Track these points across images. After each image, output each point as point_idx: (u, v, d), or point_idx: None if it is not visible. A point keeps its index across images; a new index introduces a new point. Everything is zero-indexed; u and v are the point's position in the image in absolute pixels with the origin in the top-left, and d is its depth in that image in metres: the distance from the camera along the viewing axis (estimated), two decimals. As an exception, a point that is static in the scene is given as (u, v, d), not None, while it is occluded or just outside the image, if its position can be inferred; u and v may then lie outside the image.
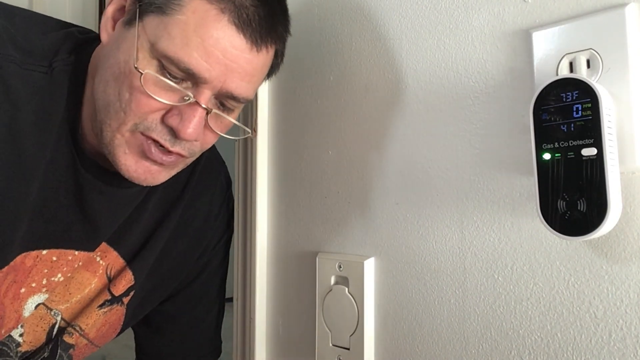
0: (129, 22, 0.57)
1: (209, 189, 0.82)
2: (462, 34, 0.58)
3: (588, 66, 0.47)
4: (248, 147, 0.83)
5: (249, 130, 0.69)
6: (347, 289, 0.67)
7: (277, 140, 0.81)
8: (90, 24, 0.70)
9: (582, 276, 0.48)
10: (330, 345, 0.68)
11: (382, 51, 0.66)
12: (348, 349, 0.66)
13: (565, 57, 0.49)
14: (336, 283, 0.69)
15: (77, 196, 0.64)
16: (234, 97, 0.59)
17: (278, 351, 0.79)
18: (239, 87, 0.58)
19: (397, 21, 0.65)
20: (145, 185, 0.61)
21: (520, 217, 0.52)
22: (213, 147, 0.83)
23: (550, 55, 0.50)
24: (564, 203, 0.44)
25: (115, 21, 0.60)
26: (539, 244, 0.51)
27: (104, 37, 0.60)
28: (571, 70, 0.48)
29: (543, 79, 0.48)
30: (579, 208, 0.43)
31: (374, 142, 0.67)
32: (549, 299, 0.50)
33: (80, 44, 0.64)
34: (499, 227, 0.54)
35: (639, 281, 0.45)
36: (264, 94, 0.83)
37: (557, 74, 0.49)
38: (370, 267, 0.66)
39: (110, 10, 0.61)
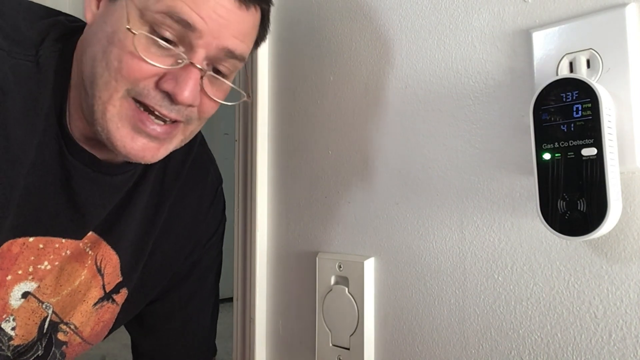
0: None
1: (198, 185, 0.81)
2: (462, 34, 0.58)
3: (588, 66, 0.47)
4: (248, 147, 0.83)
5: (245, 94, 0.67)
6: (347, 289, 0.67)
7: (277, 140, 0.81)
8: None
9: (582, 276, 0.48)
10: (330, 345, 0.68)
11: (382, 51, 0.66)
12: (348, 349, 0.66)
13: (565, 57, 0.49)
14: (336, 283, 0.69)
15: (64, 183, 0.63)
16: (230, 53, 0.58)
17: (278, 351, 0.79)
18: (234, 43, 0.58)
19: (397, 21, 0.65)
20: (144, 162, 0.60)
21: (520, 217, 0.52)
22: (204, 141, 0.83)
23: (550, 55, 0.50)
24: (564, 203, 0.44)
25: (99, 0, 0.60)
26: (539, 244, 0.51)
27: (88, 16, 0.60)
28: (571, 70, 0.48)
29: (543, 79, 0.48)
30: (579, 208, 0.43)
31: (373, 142, 0.67)
32: (549, 299, 0.50)
33: (67, 31, 0.64)
34: (499, 227, 0.54)
35: (639, 281, 0.45)
36: (264, 94, 0.83)
37: (557, 74, 0.49)
38: (370, 267, 0.66)
39: None
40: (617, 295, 0.46)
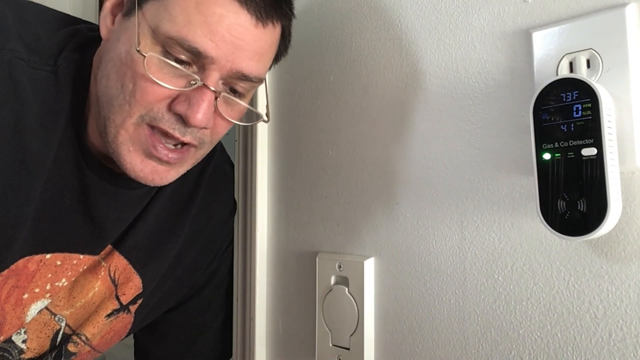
0: (129, 13, 0.56)
1: (222, 194, 0.80)
2: (462, 34, 0.58)
3: (588, 66, 0.47)
4: (248, 147, 0.83)
5: (261, 114, 0.66)
6: (347, 289, 0.67)
7: (277, 140, 0.81)
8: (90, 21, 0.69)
9: (582, 276, 0.48)
10: (330, 345, 0.68)
11: (382, 51, 0.66)
12: (348, 349, 0.66)
13: (565, 57, 0.49)
14: (336, 283, 0.69)
15: (82, 198, 0.62)
16: (244, 77, 0.56)
17: (278, 351, 0.79)
18: (249, 66, 0.55)
19: (397, 21, 0.65)
20: (153, 185, 0.59)
21: (520, 217, 0.52)
22: (224, 149, 0.83)
23: (550, 55, 0.50)
24: (564, 203, 0.44)
25: (114, 16, 0.59)
26: (539, 244, 0.51)
27: (103, 32, 0.59)
28: (571, 70, 0.48)
29: (543, 79, 0.48)
30: (579, 208, 0.43)
31: (374, 142, 0.67)
32: (549, 299, 0.50)
33: (86, 41, 0.62)
34: (499, 227, 0.54)
35: (639, 281, 0.45)
36: (264, 93, 0.83)
37: (557, 74, 0.49)
38: (370, 267, 0.66)
39: (108, 5, 0.60)
40: (617, 295, 0.46)
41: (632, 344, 0.45)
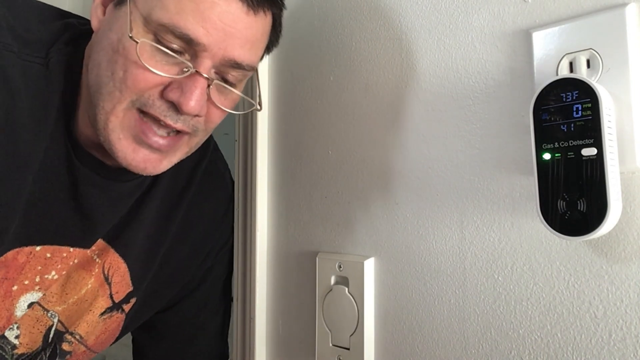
0: (120, 2, 0.56)
1: (213, 193, 0.80)
2: (462, 34, 0.58)
3: (588, 66, 0.47)
4: (248, 147, 0.83)
5: (254, 103, 0.66)
6: (347, 289, 0.67)
7: (277, 140, 0.81)
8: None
9: (582, 276, 0.48)
10: (330, 345, 0.68)
11: (382, 51, 0.66)
12: (348, 349, 0.66)
13: (565, 57, 0.49)
14: (336, 283, 0.69)
15: (72, 190, 0.62)
16: (237, 65, 0.56)
17: (278, 351, 0.79)
18: (241, 54, 0.56)
19: (397, 21, 0.65)
20: (145, 174, 0.59)
21: (520, 217, 0.52)
22: (216, 147, 0.83)
23: (550, 55, 0.50)
24: (564, 203, 0.44)
25: (105, 6, 0.59)
26: (539, 244, 0.51)
27: (94, 23, 0.59)
28: (571, 70, 0.48)
29: (543, 79, 0.48)
30: (579, 208, 0.43)
31: (374, 142, 0.67)
32: (549, 299, 0.50)
33: (78, 34, 0.62)
34: (499, 227, 0.54)
35: (639, 281, 0.45)
36: (264, 94, 0.83)
37: (557, 74, 0.49)
38: (370, 267, 0.66)
39: None
40: (617, 295, 0.46)
41: (632, 344, 0.45)
